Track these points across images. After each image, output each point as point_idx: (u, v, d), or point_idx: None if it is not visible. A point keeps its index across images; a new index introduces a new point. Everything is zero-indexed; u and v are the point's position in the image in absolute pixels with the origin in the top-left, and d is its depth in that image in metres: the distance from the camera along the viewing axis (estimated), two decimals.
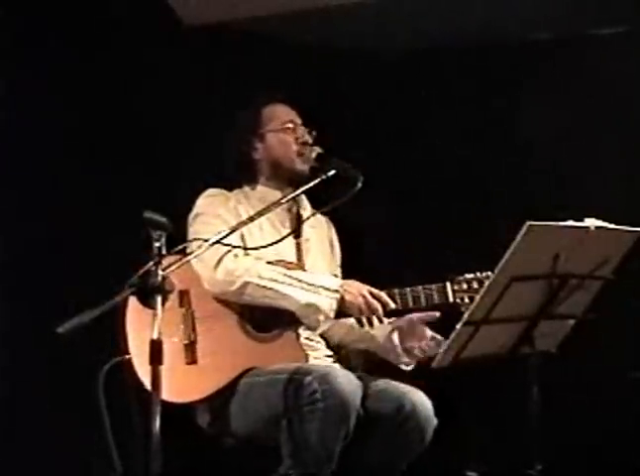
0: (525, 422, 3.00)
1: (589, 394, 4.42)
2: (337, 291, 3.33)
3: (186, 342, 3.33)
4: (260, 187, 3.56)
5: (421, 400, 3.31)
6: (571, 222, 2.93)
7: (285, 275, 3.34)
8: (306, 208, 3.60)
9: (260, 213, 3.23)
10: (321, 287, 3.33)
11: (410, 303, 3.37)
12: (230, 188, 3.55)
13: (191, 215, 3.47)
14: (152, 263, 2.68)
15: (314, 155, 3.51)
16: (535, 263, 2.91)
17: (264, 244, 3.24)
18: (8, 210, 4.21)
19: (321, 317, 3.32)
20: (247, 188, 3.57)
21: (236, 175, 3.58)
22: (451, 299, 3.37)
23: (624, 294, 3.63)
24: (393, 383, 3.38)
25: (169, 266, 2.75)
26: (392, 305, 3.35)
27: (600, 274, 3.04)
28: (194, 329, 3.35)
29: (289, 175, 3.52)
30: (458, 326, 2.93)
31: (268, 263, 3.37)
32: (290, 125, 3.55)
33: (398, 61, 4.90)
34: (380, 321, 3.35)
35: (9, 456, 4.15)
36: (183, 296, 3.36)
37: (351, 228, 3.71)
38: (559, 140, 4.65)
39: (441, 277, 3.39)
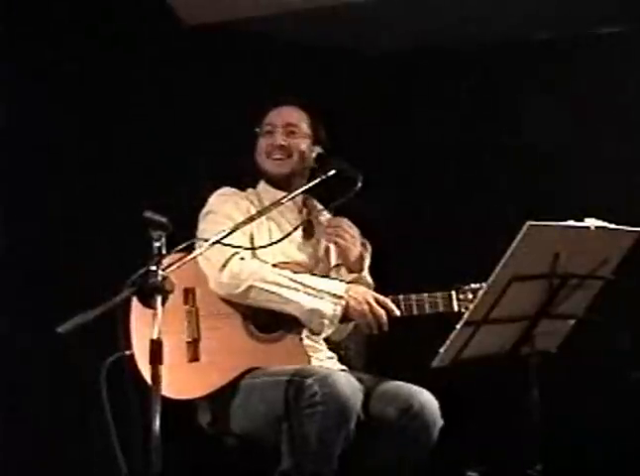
0: (525, 422, 3.00)
1: (589, 394, 4.42)
2: (342, 297, 3.33)
3: (189, 340, 3.34)
4: (266, 188, 3.57)
5: (429, 400, 3.31)
6: (571, 222, 2.93)
7: (291, 279, 3.33)
8: (317, 210, 3.61)
9: (260, 213, 3.24)
10: (327, 292, 3.33)
11: (414, 311, 3.36)
12: (240, 187, 3.57)
13: (202, 213, 3.49)
14: (152, 263, 2.67)
15: (314, 155, 3.53)
16: (535, 263, 2.92)
17: (273, 246, 3.25)
18: (8, 210, 4.21)
19: (325, 323, 3.32)
20: (260, 188, 3.59)
21: (246, 174, 3.60)
22: (456, 309, 3.37)
23: (624, 294, 3.63)
24: (399, 383, 3.38)
25: (170, 265, 2.74)
26: (397, 313, 3.34)
27: (600, 274, 3.04)
28: (198, 327, 3.35)
29: (267, 176, 3.57)
30: (458, 326, 2.94)
31: (276, 265, 3.38)
32: (268, 128, 3.56)
33: (398, 61, 4.90)
34: (384, 328, 3.35)
35: (10, 456, 4.15)
36: (189, 293, 3.36)
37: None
38: (559, 139, 4.65)
39: (444, 281, 3.39)
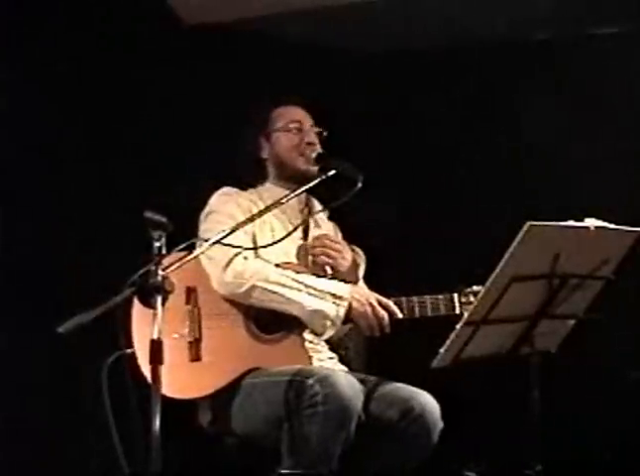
0: (525, 422, 3.00)
1: (589, 394, 4.42)
2: (345, 298, 3.32)
3: (191, 339, 3.33)
4: (271, 187, 3.56)
5: (430, 402, 3.31)
6: (571, 222, 2.93)
7: (294, 280, 3.33)
8: (315, 211, 3.60)
9: (260, 213, 3.23)
10: (329, 293, 3.32)
11: (416, 313, 3.35)
12: (241, 187, 3.56)
13: (204, 213, 3.48)
14: (152, 263, 2.67)
15: (314, 155, 3.52)
16: (535, 263, 2.91)
17: (274, 246, 3.24)
18: (8, 210, 4.21)
19: (328, 324, 3.32)
20: (261, 188, 3.58)
21: (246, 174, 3.58)
22: (457, 311, 3.36)
23: (624, 294, 3.63)
24: (400, 385, 3.37)
25: (170, 265, 2.74)
26: (399, 315, 3.34)
27: (601, 274, 3.04)
28: (200, 327, 3.34)
29: (293, 174, 3.52)
30: (458, 326, 2.94)
31: (279, 265, 3.37)
32: (295, 125, 3.55)
33: (397, 62, 4.90)
34: (386, 330, 3.34)
35: (10, 456, 4.15)
36: (191, 292, 3.36)
37: (353, 230, 3.71)
38: (559, 140, 4.65)
39: (443, 281, 3.38)
